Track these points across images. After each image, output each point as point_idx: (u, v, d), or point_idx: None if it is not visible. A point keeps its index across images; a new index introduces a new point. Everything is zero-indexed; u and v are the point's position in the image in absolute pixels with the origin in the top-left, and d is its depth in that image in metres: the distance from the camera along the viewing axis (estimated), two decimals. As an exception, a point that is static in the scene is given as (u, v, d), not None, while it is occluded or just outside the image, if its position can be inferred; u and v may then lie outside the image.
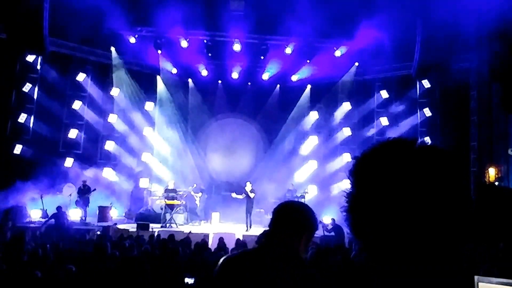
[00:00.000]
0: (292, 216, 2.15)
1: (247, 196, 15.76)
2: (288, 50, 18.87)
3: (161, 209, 16.08)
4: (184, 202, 16.39)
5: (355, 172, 0.96)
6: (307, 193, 17.31)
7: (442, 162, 0.91)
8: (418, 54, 17.23)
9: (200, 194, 17.08)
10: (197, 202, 17.02)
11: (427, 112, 17.85)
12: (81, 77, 18.28)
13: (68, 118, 18.15)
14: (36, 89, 17.19)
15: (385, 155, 0.93)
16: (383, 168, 0.91)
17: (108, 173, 17.87)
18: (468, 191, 0.91)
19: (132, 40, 18.41)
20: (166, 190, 15.93)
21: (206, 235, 12.74)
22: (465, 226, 0.88)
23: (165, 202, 15.60)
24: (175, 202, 15.66)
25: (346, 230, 13.73)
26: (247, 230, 15.07)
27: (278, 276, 1.92)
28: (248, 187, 15.85)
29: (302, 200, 16.84)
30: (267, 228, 2.27)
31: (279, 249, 2.04)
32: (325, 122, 20.19)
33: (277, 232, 2.11)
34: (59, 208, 13.18)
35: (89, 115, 18.60)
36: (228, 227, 15.76)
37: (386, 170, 0.90)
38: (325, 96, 20.13)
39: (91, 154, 18.30)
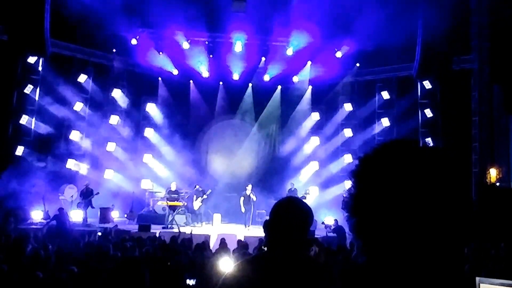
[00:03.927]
0: (299, 215, 2.02)
1: (247, 198, 16.02)
2: (289, 51, 18.87)
3: (163, 210, 16.20)
4: (185, 204, 16.43)
5: (358, 173, 0.96)
6: (309, 194, 17.33)
7: (445, 164, 0.91)
8: (419, 55, 17.22)
9: (207, 193, 16.94)
10: (196, 204, 16.94)
11: (428, 113, 17.82)
12: (82, 78, 18.28)
13: (70, 119, 18.15)
14: (38, 90, 17.18)
15: (388, 156, 0.93)
16: (386, 169, 0.91)
17: (110, 175, 17.87)
18: (470, 193, 0.91)
19: (134, 41, 18.43)
20: (168, 192, 15.97)
21: (208, 236, 12.75)
22: (467, 228, 0.88)
23: (167, 203, 15.63)
24: (176, 203, 15.69)
25: (347, 231, 13.76)
26: (246, 227, 15.56)
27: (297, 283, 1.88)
28: (249, 190, 16.14)
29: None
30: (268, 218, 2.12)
31: (291, 254, 1.95)
32: (326, 123, 20.19)
33: (286, 234, 1.98)
34: (60, 209, 13.20)
35: (91, 117, 18.62)
36: (230, 228, 15.79)
37: (389, 172, 0.90)
38: (326, 97, 20.12)
39: (93, 155, 18.29)
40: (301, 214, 2.02)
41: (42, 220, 14.63)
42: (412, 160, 0.90)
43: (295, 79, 19.82)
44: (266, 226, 2.03)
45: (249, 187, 16.50)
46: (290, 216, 2.00)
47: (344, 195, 0.98)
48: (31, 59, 16.99)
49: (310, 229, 2.07)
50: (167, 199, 15.73)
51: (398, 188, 0.88)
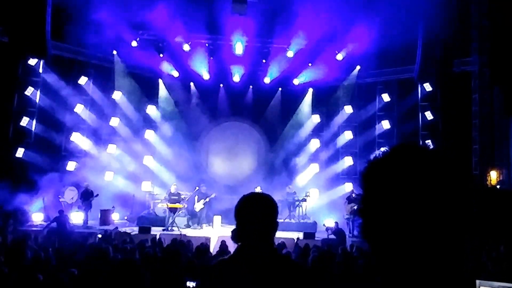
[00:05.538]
0: (264, 211, 2.02)
1: None
2: (290, 54, 18.86)
3: (163, 212, 16.19)
4: (186, 206, 16.43)
5: (368, 176, 0.98)
6: (309, 196, 17.30)
7: (453, 169, 0.92)
8: (419, 58, 17.23)
9: (210, 197, 16.89)
10: (198, 206, 16.92)
11: (429, 115, 17.82)
12: (83, 80, 18.28)
13: (70, 121, 18.15)
14: (38, 92, 17.20)
15: (397, 160, 0.94)
16: (395, 173, 0.92)
17: (110, 177, 17.86)
18: (472, 196, 0.92)
19: (134, 43, 18.44)
20: (169, 194, 15.95)
21: (208, 239, 12.74)
22: (471, 230, 0.89)
23: (167, 205, 15.62)
24: (177, 205, 15.68)
25: (347, 233, 13.75)
26: None
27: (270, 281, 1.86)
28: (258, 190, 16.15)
29: (304, 204, 16.89)
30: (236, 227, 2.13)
31: (260, 252, 1.95)
32: (326, 126, 20.21)
33: (252, 232, 2.00)
34: (61, 211, 13.21)
35: (91, 119, 18.62)
36: (230, 230, 15.75)
37: (398, 175, 0.91)
38: (326, 99, 20.14)
39: (93, 157, 18.28)
40: (263, 209, 2.03)
41: (43, 222, 14.64)
42: (422, 164, 0.92)
43: (296, 81, 19.82)
44: (235, 234, 2.03)
45: (258, 188, 16.44)
46: (253, 215, 2.02)
47: (353, 195, 1.00)
48: (32, 61, 17.02)
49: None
50: (168, 201, 15.72)
51: (407, 191, 0.89)
